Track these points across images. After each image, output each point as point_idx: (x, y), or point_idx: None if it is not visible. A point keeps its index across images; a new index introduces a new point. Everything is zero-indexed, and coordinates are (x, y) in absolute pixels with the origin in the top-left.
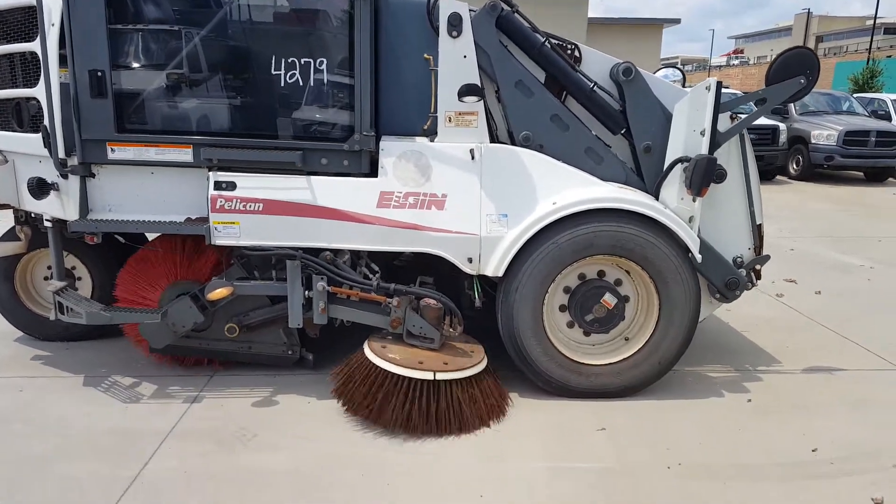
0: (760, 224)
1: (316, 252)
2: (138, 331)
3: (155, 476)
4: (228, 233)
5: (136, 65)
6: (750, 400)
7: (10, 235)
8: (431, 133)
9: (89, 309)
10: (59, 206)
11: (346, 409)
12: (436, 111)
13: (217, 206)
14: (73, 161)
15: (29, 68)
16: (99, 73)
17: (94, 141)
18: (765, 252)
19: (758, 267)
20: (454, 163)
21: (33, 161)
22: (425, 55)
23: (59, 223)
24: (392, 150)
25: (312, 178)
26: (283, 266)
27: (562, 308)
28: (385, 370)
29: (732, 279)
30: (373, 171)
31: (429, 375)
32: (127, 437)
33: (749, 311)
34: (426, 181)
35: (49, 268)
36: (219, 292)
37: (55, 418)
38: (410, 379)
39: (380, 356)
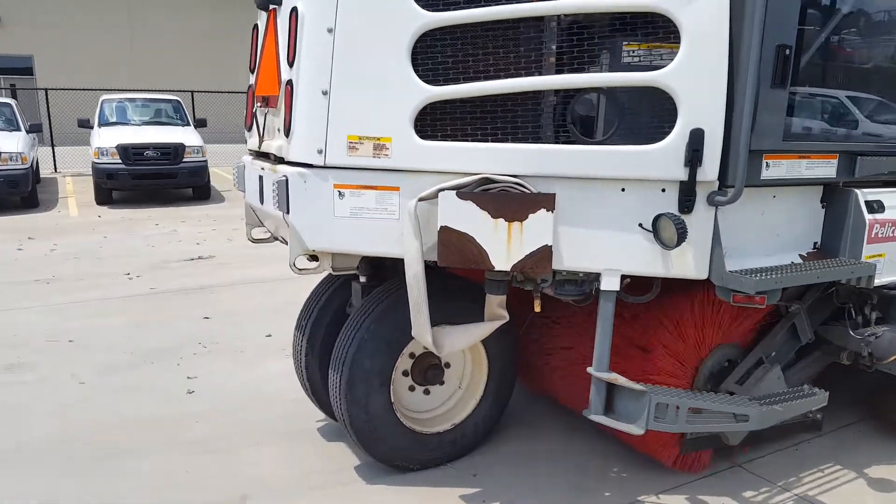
0: None
1: None
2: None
3: None
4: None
5: (819, 42)
6: None
7: (448, 312)
8: None
9: (757, 409)
10: (664, 259)
11: None
12: None
13: (873, 235)
14: (713, 185)
15: (576, 41)
16: (786, 51)
17: (755, 153)
18: None
19: None
20: None
21: (607, 191)
22: None
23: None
24: None
25: None
26: None
27: None
28: None
29: None
30: None
31: None
32: None
33: None
34: None
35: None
36: None
37: None
38: None
39: None
